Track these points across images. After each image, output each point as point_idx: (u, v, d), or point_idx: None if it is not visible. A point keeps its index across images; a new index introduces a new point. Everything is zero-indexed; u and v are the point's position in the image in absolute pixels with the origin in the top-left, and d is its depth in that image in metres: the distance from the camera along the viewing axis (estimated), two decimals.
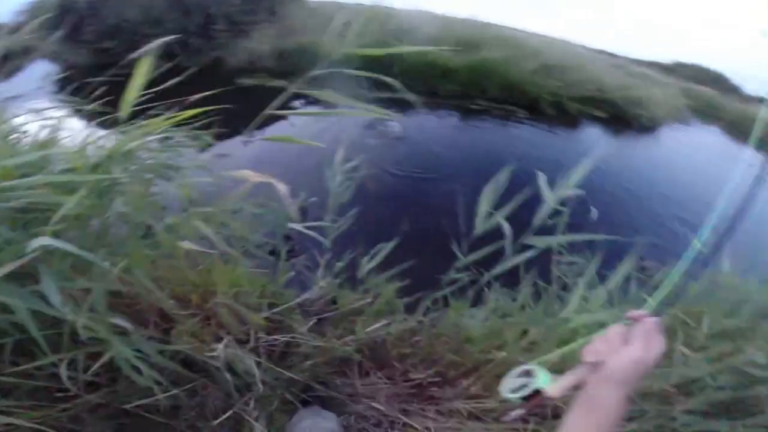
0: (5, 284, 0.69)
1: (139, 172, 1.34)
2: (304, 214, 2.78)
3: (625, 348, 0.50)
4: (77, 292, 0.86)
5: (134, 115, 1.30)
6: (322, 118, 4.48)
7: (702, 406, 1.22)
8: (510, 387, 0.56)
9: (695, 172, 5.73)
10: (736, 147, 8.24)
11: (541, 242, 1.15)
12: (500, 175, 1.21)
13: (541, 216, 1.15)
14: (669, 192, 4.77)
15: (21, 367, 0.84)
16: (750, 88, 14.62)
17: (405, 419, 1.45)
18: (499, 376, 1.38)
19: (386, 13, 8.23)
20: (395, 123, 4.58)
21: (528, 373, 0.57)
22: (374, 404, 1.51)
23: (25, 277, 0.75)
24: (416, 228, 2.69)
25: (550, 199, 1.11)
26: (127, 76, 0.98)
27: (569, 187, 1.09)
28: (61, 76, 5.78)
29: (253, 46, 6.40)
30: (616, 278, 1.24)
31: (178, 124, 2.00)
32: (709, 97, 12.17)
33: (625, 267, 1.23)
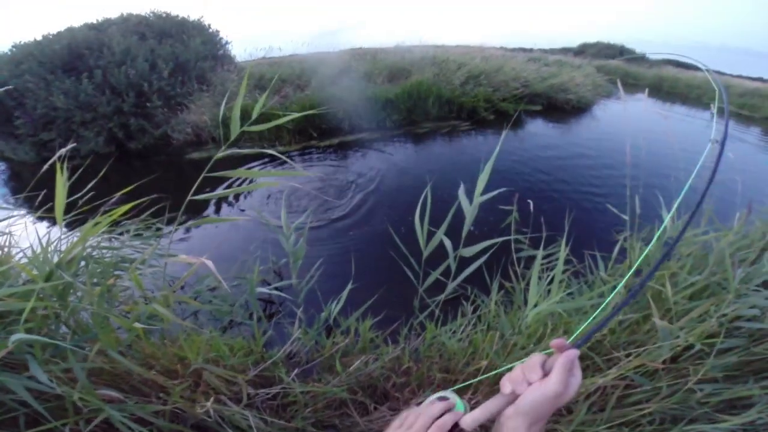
0: (1, 372, 0.92)
1: (95, 270, 1.40)
2: (280, 275, 2.82)
3: (542, 381, 0.48)
4: (64, 373, 1.05)
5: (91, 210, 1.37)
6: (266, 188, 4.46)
7: (718, 372, 1.23)
8: None
9: (641, 136, 6.09)
10: (666, 106, 9.10)
11: (468, 252, 1.24)
12: (424, 197, 1.31)
13: (467, 224, 1.25)
14: (621, 160, 5.06)
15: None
16: (654, 53, 16.26)
17: None
18: (491, 385, 1.45)
19: (320, 59, 8.62)
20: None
21: (443, 400, 0.56)
22: None
23: (20, 367, 1.00)
24: (380, 264, 2.77)
25: (467, 209, 1.22)
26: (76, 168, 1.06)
27: (478, 195, 1.20)
28: (7, 175, 5.58)
29: (193, 119, 6.35)
30: (558, 267, 1.34)
31: (134, 215, 2.03)
32: (621, 69, 13.47)
33: (562, 255, 1.33)
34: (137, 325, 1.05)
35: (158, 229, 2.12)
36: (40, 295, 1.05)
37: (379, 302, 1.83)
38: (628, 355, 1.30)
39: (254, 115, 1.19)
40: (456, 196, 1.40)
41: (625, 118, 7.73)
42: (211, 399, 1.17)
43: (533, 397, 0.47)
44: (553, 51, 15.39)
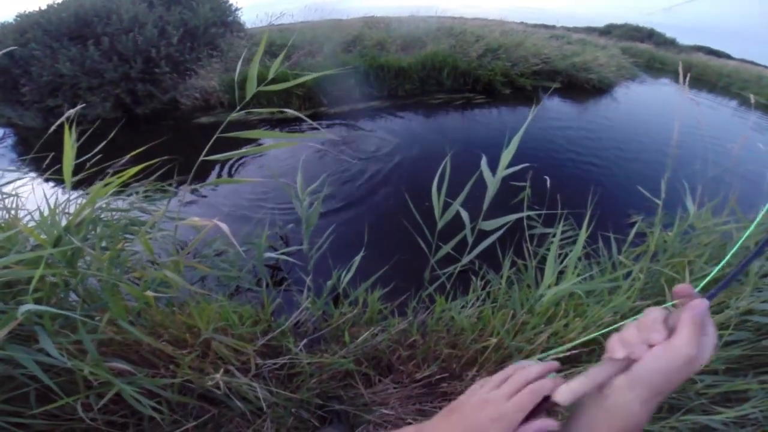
0: (11, 345, 0.87)
1: (103, 235, 1.39)
2: (286, 242, 2.82)
3: (668, 342, 0.36)
4: (73, 345, 1.01)
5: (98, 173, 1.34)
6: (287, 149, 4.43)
7: (720, 364, 1.20)
8: None
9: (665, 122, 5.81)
10: (693, 92, 8.79)
11: (488, 225, 1.20)
12: (443, 169, 1.26)
13: (488, 197, 1.20)
14: (645, 146, 4.88)
15: (39, 409, 0.96)
16: (685, 39, 15.54)
17: (421, 419, 1.49)
18: (498, 362, 1.45)
19: (332, 26, 8.32)
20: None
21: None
22: (386, 410, 1.55)
23: (29, 339, 0.95)
24: (391, 234, 2.74)
25: (490, 181, 1.17)
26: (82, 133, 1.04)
27: (502, 169, 1.15)
28: (15, 141, 5.59)
29: (202, 84, 6.24)
30: (577, 246, 1.29)
31: (143, 177, 2.02)
32: (649, 52, 12.84)
33: (582, 235, 1.28)
34: (149, 293, 1.01)
35: (164, 190, 2.10)
36: (49, 262, 0.99)
37: (389, 272, 1.82)
38: None
39: (270, 76, 1.15)
40: (469, 169, 1.35)
41: (649, 101, 7.43)
42: (221, 371, 1.16)
43: (657, 363, 0.36)
44: (576, 29, 14.66)
